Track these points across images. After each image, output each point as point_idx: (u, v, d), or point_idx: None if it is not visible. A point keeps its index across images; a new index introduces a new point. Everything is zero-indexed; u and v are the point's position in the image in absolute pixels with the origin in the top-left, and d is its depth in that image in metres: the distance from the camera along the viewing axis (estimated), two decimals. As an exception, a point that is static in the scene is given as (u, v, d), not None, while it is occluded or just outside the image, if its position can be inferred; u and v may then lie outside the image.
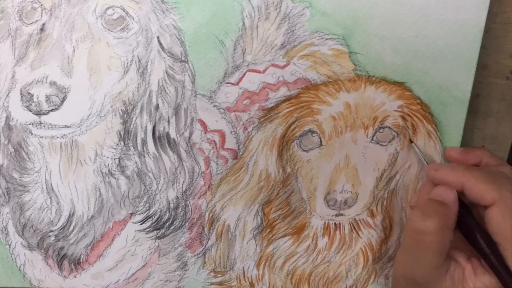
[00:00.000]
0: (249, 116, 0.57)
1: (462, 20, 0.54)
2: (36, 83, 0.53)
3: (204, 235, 0.61)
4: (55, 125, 0.55)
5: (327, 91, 0.56)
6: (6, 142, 0.57)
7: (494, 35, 0.58)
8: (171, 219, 0.60)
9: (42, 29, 0.54)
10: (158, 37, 0.55)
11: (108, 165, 0.58)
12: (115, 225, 0.60)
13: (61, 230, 0.60)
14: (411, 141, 0.58)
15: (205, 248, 0.61)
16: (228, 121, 0.57)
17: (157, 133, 0.57)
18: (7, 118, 0.56)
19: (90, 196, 0.59)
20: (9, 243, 0.61)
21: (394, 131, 0.58)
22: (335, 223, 0.61)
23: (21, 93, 0.54)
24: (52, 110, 0.54)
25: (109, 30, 0.54)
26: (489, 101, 0.60)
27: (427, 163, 0.56)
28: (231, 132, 0.58)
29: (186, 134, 0.57)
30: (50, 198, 0.59)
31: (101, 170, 0.58)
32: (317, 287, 0.63)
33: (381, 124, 0.57)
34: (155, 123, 0.57)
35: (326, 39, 0.55)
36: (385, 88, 0.56)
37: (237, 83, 0.56)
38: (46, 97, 0.54)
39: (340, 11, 0.54)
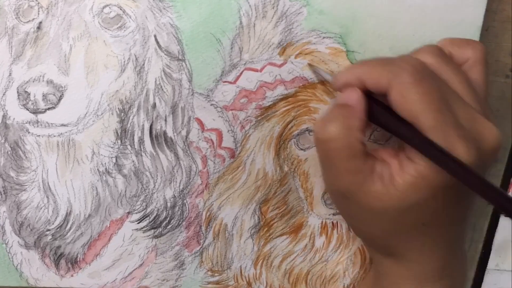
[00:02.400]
0: (246, 115, 0.58)
1: (460, 19, 0.54)
2: (33, 81, 0.54)
3: (201, 234, 0.61)
4: (52, 124, 0.56)
5: (324, 89, 0.57)
6: (2, 141, 0.58)
7: (494, 33, 0.58)
8: (168, 218, 0.60)
9: (39, 28, 0.54)
10: (155, 36, 0.55)
11: (105, 163, 0.58)
12: (112, 224, 0.60)
13: (58, 229, 0.60)
14: (310, 65, 0.56)
15: (202, 247, 0.62)
16: (225, 119, 0.58)
17: (154, 132, 0.58)
18: (4, 116, 0.56)
19: (87, 195, 0.59)
20: (6, 242, 0.61)
21: None
22: (332, 222, 0.61)
23: (17, 92, 0.54)
24: (49, 108, 0.55)
25: (106, 28, 0.55)
26: (489, 100, 0.59)
27: (329, 77, 0.54)
28: (228, 131, 0.58)
29: (183, 132, 0.58)
30: (47, 197, 0.59)
31: (98, 169, 0.58)
32: (314, 286, 0.63)
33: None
34: (152, 121, 0.57)
35: (324, 37, 0.55)
36: None
37: (234, 82, 0.57)
38: (43, 95, 0.54)
39: (338, 9, 0.54)
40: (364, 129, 0.47)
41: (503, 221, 0.66)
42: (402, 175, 0.46)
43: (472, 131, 0.45)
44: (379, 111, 0.47)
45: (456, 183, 0.44)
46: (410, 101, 0.44)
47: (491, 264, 0.69)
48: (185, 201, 0.60)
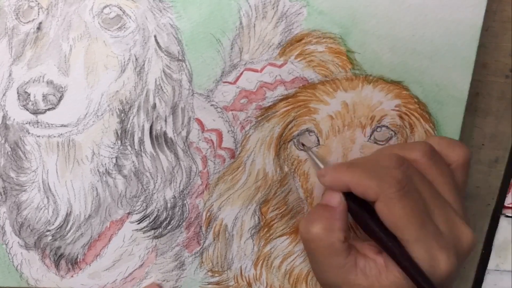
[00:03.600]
0: (246, 115, 0.58)
1: (460, 19, 0.54)
2: (33, 82, 0.54)
3: (202, 235, 0.62)
4: (52, 124, 0.56)
5: (324, 90, 0.57)
6: (3, 141, 0.58)
7: (494, 34, 0.58)
8: (168, 218, 0.61)
9: (39, 28, 0.54)
10: (155, 36, 0.55)
11: (105, 164, 0.59)
12: (112, 224, 0.61)
13: (58, 230, 0.60)
14: (303, 145, 0.58)
15: (203, 247, 0.62)
16: (226, 120, 0.58)
17: (154, 132, 0.58)
18: (4, 117, 0.57)
19: (87, 195, 0.59)
20: (6, 242, 0.62)
21: (392, 130, 0.58)
22: None
23: (17, 92, 0.55)
24: (49, 109, 0.55)
25: (106, 29, 0.55)
26: (489, 100, 0.61)
27: (320, 168, 0.55)
28: (228, 131, 0.58)
29: (183, 133, 0.58)
30: (47, 198, 0.59)
31: (98, 170, 0.59)
32: (315, 287, 0.63)
33: (379, 123, 0.58)
34: (152, 122, 0.58)
35: (324, 38, 0.56)
36: (382, 87, 0.57)
37: (234, 82, 0.57)
38: (43, 96, 0.54)
39: (338, 10, 0.54)
40: (346, 228, 0.50)
41: (503, 221, 0.67)
42: (387, 275, 0.49)
43: (451, 237, 0.49)
44: (361, 216, 0.50)
45: None
46: (395, 214, 0.47)
47: (491, 264, 0.69)
48: (185, 202, 0.60)
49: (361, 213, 0.50)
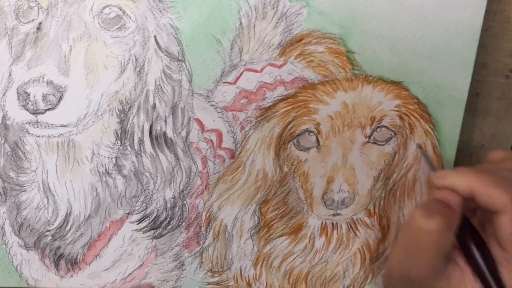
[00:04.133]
0: (246, 116, 0.58)
1: (460, 20, 0.55)
2: (33, 82, 0.54)
3: (201, 235, 0.62)
4: (51, 125, 0.56)
5: (324, 90, 0.57)
6: (2, 142, 0.58)
7: (494, 34, 0.58)
8: (168, 218, 0.61)
9: (38, 28, 0.55)
10: (155, 36, 0.56)
11: (105, 164, 0.59)
12: (112, 224, 0.61)
13: (58, 230, 0.61)
14: (420, 147, 0.58)
15: (202, 247, 0.62)
16: (225, 120, 0.58)
17: (154, 133, 0.58)
18: (4, 117, 0.57)
19: (87, 195, 0.60)
20: (6, 242, 0.62)
21: (392, 130, 0.58)
22: (332, 223, 0.61)
23: (17, 92, 0.55)
24: (48, 109, 0.55)
25: (106, 29, 0.55)
26: (489, 100, 0.61)
27: (434, 170, 0.55)
28: (228, 132, 0.59)
29: (183, 133, 0.58)
30: (47, 198, 0.59)
31: (98, 170, 0.59)
32: (314, 287, 0.63)
33: (379, 124, 0.58)
34: (152, 122, 0.58)
35: (324, 38, 0.56)
36: (382, 87, 0.57)
37: (234, 83, 0.57)
38: (43, 96, 0.54)
39: (337, 10, 0.55)
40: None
41: (503, 221, 0.67)
42: (474, 286, 0.48)
43: None
44: (469, 235, 0.49)
45: None
46: None
47: None
48: (185, 202, 0.61)
49: (464, 226, 0.49)
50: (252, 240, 0.62)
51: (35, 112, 0.55)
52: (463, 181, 0.49)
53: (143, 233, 0.61)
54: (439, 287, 0.49)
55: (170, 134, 0.58)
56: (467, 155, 0.63)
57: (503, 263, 0.47)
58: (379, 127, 0.58)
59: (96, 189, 0.60)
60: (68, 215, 0.60)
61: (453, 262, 0.50)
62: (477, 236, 0.49)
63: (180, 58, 0.56)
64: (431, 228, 0.47)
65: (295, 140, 0.59)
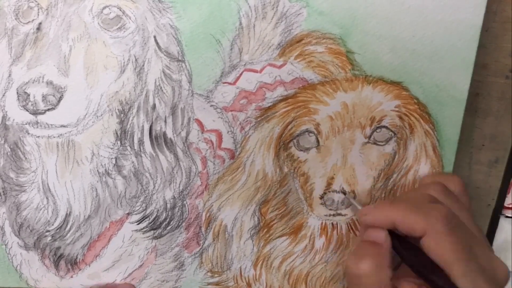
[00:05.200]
0: (246, 116, 0.58)
1: (460, 20, 0.55)
2: (33, 82, 0.54)
3: (201, 235, 0.62)
4: (51, 125, 0.56)
5: (324, 90, 0.57)
6: (2, 142, 0.58)
7: (494, 34, 0.58)
8: (168, 219, 0.61)
9: (38, 28, 0.55)
10: (154, 37, 0.56)
11: (105, 164, 0.59)
12: (112, 225, 0.61)
13: (58, 230, 0.61)
14: (344, 193, 0.59)
15: (202, 248, 0.62)
16: (225, 120, 0.58)
17: (154, 133, 0.58)
18: (4, 117, 0.57)
19: (86, 196, 0.60)
20: (6, 243, 0.62)
21: (391, 131, 0.58)
22: (332, 223, 0.61)
23: (17, 93, 0.55)
24: (48, 109, 0.55)
25: (105, 29, 0.55)
26: (489, 100, 0.61)
27: (360, 208, 0.57)
28: (228, 132, 0.59)
29: (183, 133, 0.58)
30: (47, 198, 0.60)
31: (97, 170, 0.59)
32: (314, 287, 0.64)
33: (378, 124, 0.58)
34: (152, 122, 0.58)
35: (323, 38, 0.56)
36: (382, 87, 0.57)
37: (234, 83, 0.57)
38: (43, 96, 0.55)
39: (337, 10, 0.55)
40: (391, 265, 0.51)
41: (503, 222, 0.67)
42: None
43: (490, 271, 0.50)
44: (407, 253, 0.51)
45: None
46: (443, 249, 0.48)
47: None
48: (184, 202, 0.61)
49: (406, 249, 0.51)
50: (252, 241, 0.62)
51: (35, 113, 0.55)
52: (383, 215, 0.52)
53: (143, 233, 0.61)
54: None
55: (170, 134, 0.58)
56: (467, 155, 0.63)
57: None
58: (379, 127, 0.58)
59: (96, 189, 0.60)
60: (68, 215, 0.60)
61: None
62: (411, 247, 0.51)
63: (180, 58, 0.56)
64: (363, 272, 0.50)
65: (295, 141, 0.59)
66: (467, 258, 0.48)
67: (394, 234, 0.52)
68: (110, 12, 0.55)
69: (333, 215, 0.61)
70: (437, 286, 0.49)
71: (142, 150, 0.59)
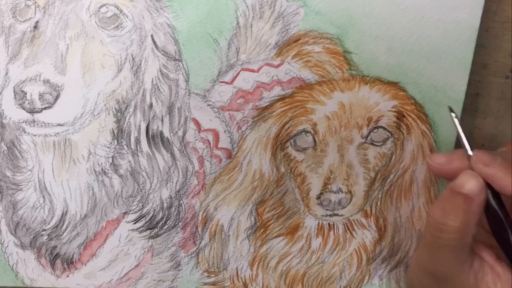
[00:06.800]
0: (243, 115, 0.59)
1: (457, 20, 0.55)
2: (30, 81, 0.55)
3: (198, 235, 0.62)
4: (48, 123, 0.57)
5: (321, 90, 0.58)
6: (-1, 140, 0.59)
7: (494, 34, 0.59)
8: (164, 218, 0.61)
9: (35, 27, 0.55)
10: (152, 36, 0.56)
11: (102, 163, 0.60)
12: (108, 224, 0.62)
13: (54, 229, 0.61)
14: (451, 111, 0.53)
15: (199, 248, 0.63)
16: (222, 120, 0.59)
17: (150, 132, 0.59)
18: (0, 116, 0.58)
19: (83, 195, 0.60)
20: (2, 242, 0.62)
21: (388, 131, 0.59)
22: (329, 224, 0.62)
23: (14, 91, 0.55)
24: (45, 108, 0.56)
25: (103, 28, 0.56)
26: (489, 100, 0.62)
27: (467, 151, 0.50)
28: (225, 131, 0.59)
29: (180, 133, 0.59)
30: (43, 197, 0.60)
31: (94, 169, 0.60)
32: (311, 287, 0.64)
33: (375, 124, 0.59)
34: (149, 121, 0.58)
35: (321, 38, 0.57)
36: (379, 88, 0.58)
37: (231, 82, 0.58)
38: (40, 95, 0.55)
39: (335, 10, 0.55)
40: (479, 223, 0.47)
41: (503, 223, 0.67)
42: (502, 284, 0.47)
43: None
44: (496, 214, 0.47)
45: None
46: None
47: None
48: (181, 202, 0.61)
49: (498, 211, 0.46)
50: (249, 241, 0.63)
51: (32, 111, 0.56)
52: (483, 164, 0.47)
53: (139, 233, 0.62)
54: (467, 283, 0.48)
55: (166, 133, 0.59)
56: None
57: None
58: (376, 127, 0.59)
59: (93, 188, 0.60)
60: (64, 214, 0.61)
61: (479, 257, 0.49)
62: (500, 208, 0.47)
63: (177, 57, 0.57)
64: (449, 228, 0.46)
65: (292, 140, 0.60)
66: None
67: (492, 189, 0.47)
68: (107, 11, 0.56)
69: (330, 215, 0.61)
70: None
71: (138, 149, 0.59)
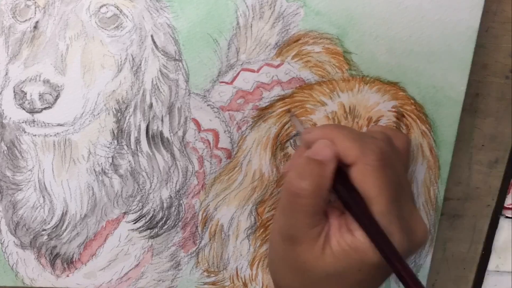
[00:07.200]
0: (243, 116, 0.59)
1: (457, 20, 0.56)
2: (30, 81, 0.55)
3: (198, 235, 0.63)
4: (48, 124, 0.57)
5: (321, 91, 0.58)
6: (-1, 140, 0.59)
7: (494, 34, 0.59)
8: (164, 218, 0.62)
9: (35, 27, 0.56)
10: (152, 36, 0.57)
11: (102, 163, 0.60)
12: (108, 224, 0.62)
13: (54, 229, 0.62)
14: (289, 111, 0.58)
15: (198, 247, 0.63)
16: (222, 120, 0.59)
17: (150, 132, 0.59)
18: (0, 116, 0.58)
19: (83, 195, 0.61)
20: (2, 241, 0.63)
21: None
22: None
23: (14, 91, 0.56)
24: (45, 108, 0.56)
25: (103, 28, 0.56)
26: (489, 101, 0.62)
27: (302, 127, 0.56)
28: (225, 132, 0.60)
29: (180, 133, 0.59)
30: (43, 197, 0.60)
31: (94, 169, 0.60)
32: None
33: (375, 124, 0.59)
34: (149, 122, 0.59)
35: (321, 38, 0.57)
36: (379, 88, 0.58)
37: (231, 82, 0.58)
38: (40, 95, 0.56)
39: (335, 10, 0.56)
40: (331, 188, 0.50)
41: (503, 222, 0.68)
42: (338, 238, 0.49)
43: (409, 225, 0.50)
44: (338, 179, 0.50)
45: (381, 263, 0.48)
46: (369, 183, 0.48)
47: (491, 265, 0.70)
48: (181, 202, 0.62)
49: (338, 172, 0.50)
50: (249, 240, 0.63)
51: (32, 111, 0.56)
52: (324, 134, 0.51)
53: (139, 232, 0.62)
54: (317, 245, 0.49)
55: (166, 133, 0.59)
56: (467, 156, 0.64)
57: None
58: (376, 127, 0.59)
59: (93, 188, 0.61)
60: (64, 214, 0.61)
61: (327, 217, 0.51)
62: (348, 183, 0.50)
63: (177, 57, 0.57)
64: (304, 192, 0.48)
65: (292, 140, 0.60)
66: (390, 200, 0.48)
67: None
68: (107, 11, 0.56)
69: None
70: (356, 215, 0.48)
71: (138, 149, 0.60)
